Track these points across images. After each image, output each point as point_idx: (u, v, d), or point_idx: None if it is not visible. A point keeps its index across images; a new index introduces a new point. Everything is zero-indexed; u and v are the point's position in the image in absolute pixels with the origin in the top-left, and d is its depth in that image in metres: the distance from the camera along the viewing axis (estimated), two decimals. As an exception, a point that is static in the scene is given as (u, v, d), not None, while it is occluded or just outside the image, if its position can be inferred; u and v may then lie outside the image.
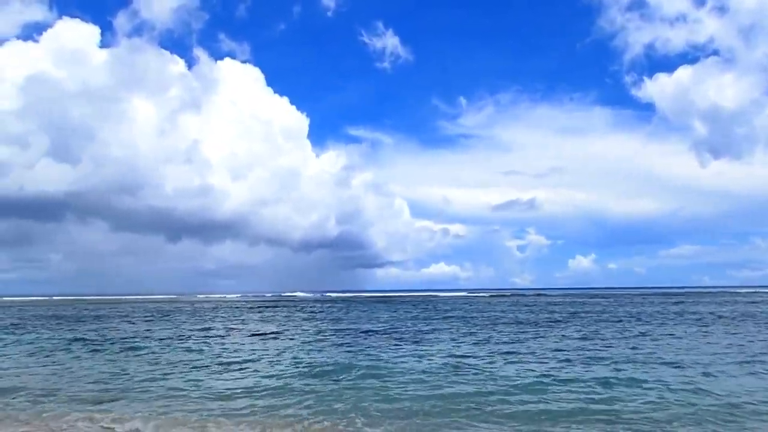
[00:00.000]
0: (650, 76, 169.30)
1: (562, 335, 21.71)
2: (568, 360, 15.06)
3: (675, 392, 10.89)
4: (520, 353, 16.50)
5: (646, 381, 11.94)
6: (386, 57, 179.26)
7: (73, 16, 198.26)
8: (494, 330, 24.50)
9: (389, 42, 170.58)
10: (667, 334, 21.57)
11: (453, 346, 18.42)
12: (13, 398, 11.31)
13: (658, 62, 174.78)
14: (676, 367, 13.64)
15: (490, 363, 14.68)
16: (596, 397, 10.63)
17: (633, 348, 17.35)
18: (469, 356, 15.95)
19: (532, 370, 13.46)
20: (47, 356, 17.72)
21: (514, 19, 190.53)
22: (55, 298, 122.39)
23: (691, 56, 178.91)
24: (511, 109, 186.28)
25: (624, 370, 13.40)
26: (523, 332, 23.22)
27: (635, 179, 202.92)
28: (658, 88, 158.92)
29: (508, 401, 10.34)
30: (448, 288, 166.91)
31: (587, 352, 16.51)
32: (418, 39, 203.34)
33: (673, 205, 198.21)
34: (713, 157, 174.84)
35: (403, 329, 25.40)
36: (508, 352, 16.76)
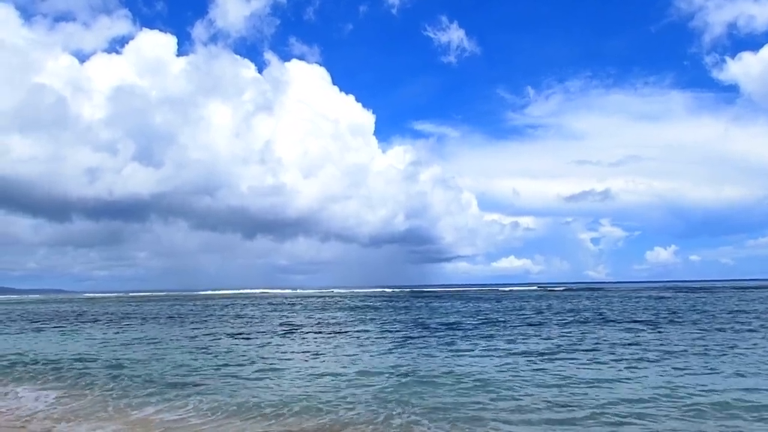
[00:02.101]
0: (733, 56, 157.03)
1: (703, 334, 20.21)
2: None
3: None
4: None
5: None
6: (451, 51, 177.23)
7: (152, 28, 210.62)
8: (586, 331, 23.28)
9: (454, 36, 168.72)
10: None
11: (535, 347, 17.55)
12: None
13: (742, 41, 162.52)
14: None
15: (577, 368, 13.81)
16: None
17: None
18: (554, 359, 15.12)
19: (619, 383, 12.46)
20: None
21: (583, 4, 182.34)
22: (132, 294, 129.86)
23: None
24: (581, 97, 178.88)
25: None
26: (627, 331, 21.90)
27: (718, 165, 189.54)
28: (742, 68, 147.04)
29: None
30: (519, 282, 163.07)
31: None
32: (483, 30, 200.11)
33: (761, 192, 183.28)
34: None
35: (476, 325, 24.67)
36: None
